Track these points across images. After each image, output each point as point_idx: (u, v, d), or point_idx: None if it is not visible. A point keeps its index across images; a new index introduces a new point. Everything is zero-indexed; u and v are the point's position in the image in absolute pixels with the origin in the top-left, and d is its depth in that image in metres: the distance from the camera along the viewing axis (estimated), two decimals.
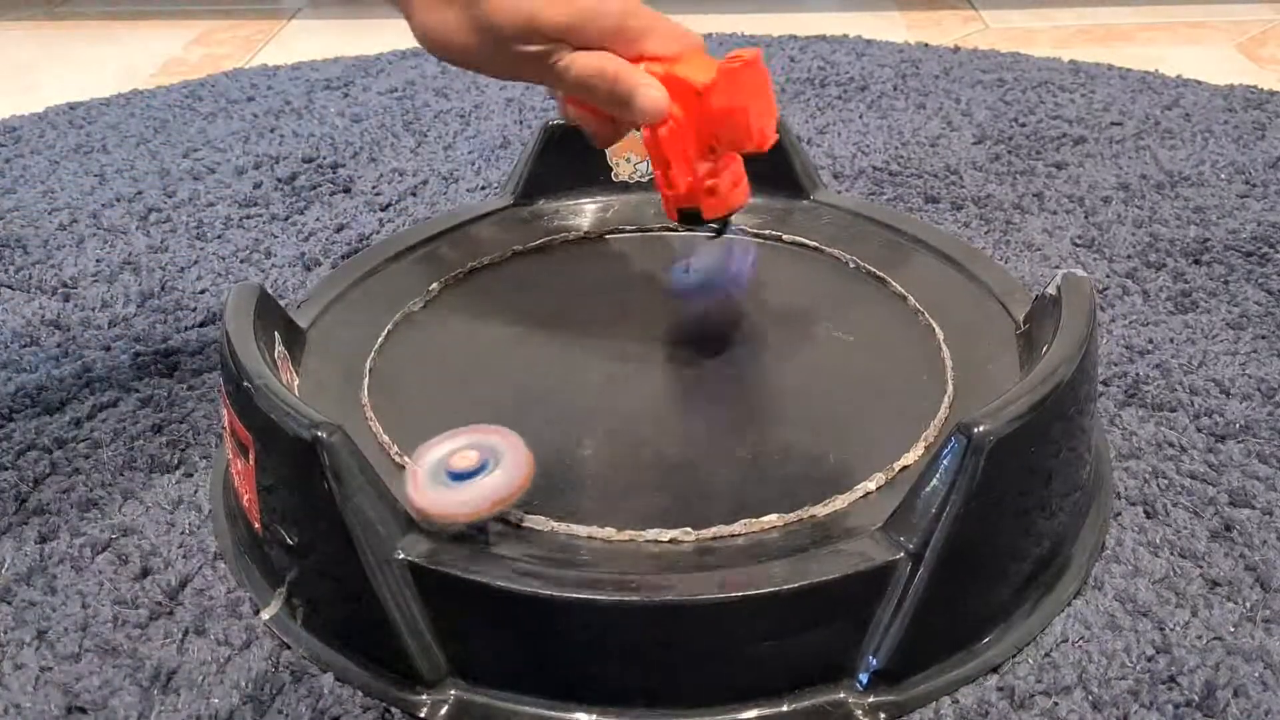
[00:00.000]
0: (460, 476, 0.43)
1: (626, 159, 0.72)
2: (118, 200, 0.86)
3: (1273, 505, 0.51)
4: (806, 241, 0.67)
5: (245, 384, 0.46)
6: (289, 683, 0.44)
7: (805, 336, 0.60)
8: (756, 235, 0.69)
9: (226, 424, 0.49)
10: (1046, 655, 0.45)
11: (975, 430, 0.41)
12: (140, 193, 0.88)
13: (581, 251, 0.69)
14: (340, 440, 0.42)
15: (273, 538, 0.46)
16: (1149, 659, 0.44)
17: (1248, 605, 0.46)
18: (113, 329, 0.69)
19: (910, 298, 0.61)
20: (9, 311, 0.72)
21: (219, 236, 0.81)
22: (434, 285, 0.65)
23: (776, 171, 0.70)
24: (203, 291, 0.73)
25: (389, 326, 0.61)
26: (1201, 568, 0.48)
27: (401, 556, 0.42)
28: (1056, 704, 0.42)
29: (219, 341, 0.55)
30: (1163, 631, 0.45)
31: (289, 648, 0.46)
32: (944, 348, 0.57)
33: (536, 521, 0.46)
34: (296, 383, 0.55)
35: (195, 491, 0.55)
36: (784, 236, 0.68)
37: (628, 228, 0.71)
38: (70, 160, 0.95)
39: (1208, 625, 0.45)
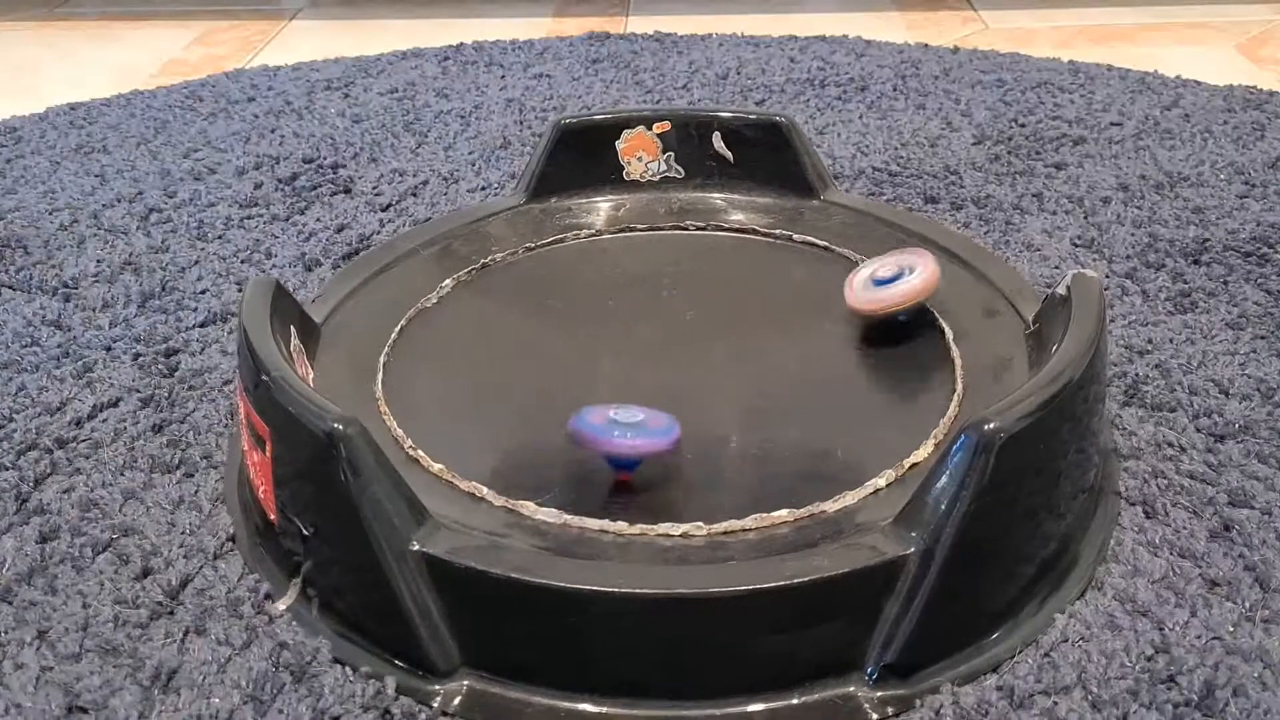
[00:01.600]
0: (883, 282, 0.59)
1: (638, 158, 0.72)
2: (118, 200, 0.86)
3: (1272, 505, 0.52)
4: (817, 241, 0.68)
5: (263, 377, 0.46)
6: (289, 683, 0.44)
7: (815, 334, 0.60)
8: (767, 235, 0.70)
9: (242, 416, 0.50)
10: (1046, 655, 0.44)
11: (985, 427, 0.41)
12: (141, 193, 0.87)
13: (593, 249, 0.69)
14: (358, 433, 0.42)
15: (289, 529, 0.46)
16: (1148, 659, 0.44)
17: (1247, 605, 0.46)
18: (113, 329, 0.69)
19: None
20: (9, 311, 0.71)
21: (220, 237, 0.80)
22: (447, 282, 0.65)
23: (787, 172, 0.71)
24: (203, 292, 0.73)
25: (402, 322, 0.61)
26: (1201, 568, 0.48)
27: (416, 548, 0.42)
28: (1056, 704, 0.42)
29: (236, 334, 0.55)
30: (1162, 631, 0.45)
31: (288, 647, 0.45)
32: (953, 346, 0.57)
33: (550, 514, 0.47)
34: (311, 376, 0.55)
35: (195, 491, 0.55)
36: (795, 236, 0.69)
37: (639, 226, 0.71)
38: (71, 161, 0.94)
39: (1207, 625, 0.45)
